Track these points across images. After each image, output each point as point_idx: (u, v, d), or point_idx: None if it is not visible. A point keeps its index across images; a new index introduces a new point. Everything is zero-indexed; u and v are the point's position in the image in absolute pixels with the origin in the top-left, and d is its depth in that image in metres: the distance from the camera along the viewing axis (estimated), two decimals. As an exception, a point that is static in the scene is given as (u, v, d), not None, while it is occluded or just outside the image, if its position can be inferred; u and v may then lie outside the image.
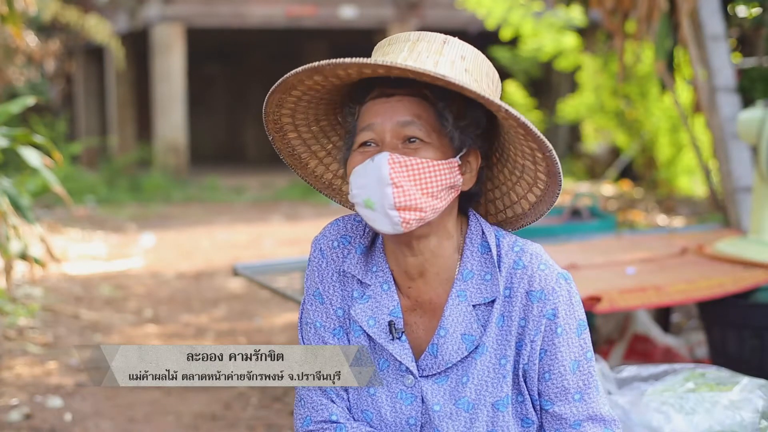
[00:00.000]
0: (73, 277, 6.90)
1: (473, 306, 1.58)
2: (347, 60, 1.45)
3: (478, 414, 1.57)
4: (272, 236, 9.22)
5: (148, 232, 9.63)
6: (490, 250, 1.59)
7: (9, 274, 4.32)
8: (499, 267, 1.58)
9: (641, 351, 3.93)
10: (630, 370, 2.45)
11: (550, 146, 1.49)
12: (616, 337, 4.02)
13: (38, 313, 5.53)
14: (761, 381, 2.32)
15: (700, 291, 3.15)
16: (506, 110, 1.45)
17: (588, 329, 1.62)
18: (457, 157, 1.54)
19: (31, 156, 4.40)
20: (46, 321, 5.41)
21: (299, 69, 1.49)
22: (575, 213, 4.66)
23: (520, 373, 1.58)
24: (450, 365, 1.58)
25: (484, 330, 1.57)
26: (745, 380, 2.31)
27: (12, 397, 3.96)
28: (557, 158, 1.51)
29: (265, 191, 13.78)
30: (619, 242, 4.11)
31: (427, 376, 1.59)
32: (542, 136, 1.48)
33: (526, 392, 1.58)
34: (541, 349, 1.57)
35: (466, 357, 1.58)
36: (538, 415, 1.60)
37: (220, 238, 9.25)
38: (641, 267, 3.47)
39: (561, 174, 1.53)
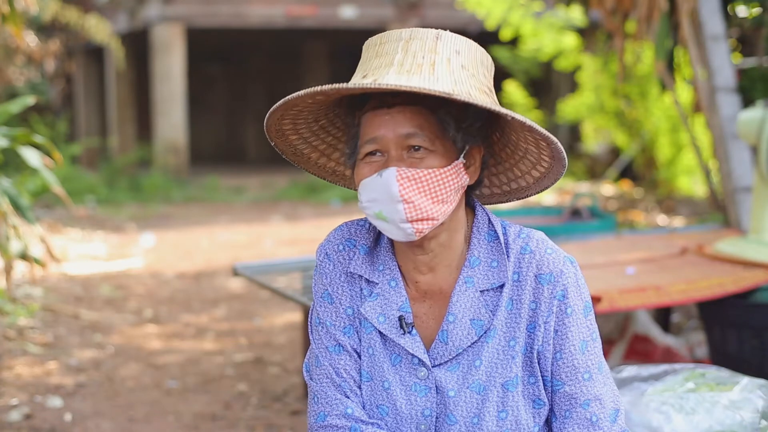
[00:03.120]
0: (73, 277, 6.90)
1: (481, 291, 1.61)
2: (351, 85, 1.48)
3: (489, 395, 1.60)
4: (272, 236, 9.21)
5: (148, 232, 9.62)
6: (498, 238, 1.63)
7: (9, 274, 4.31)
8: (507, 253, 1.62)
9: (641, 351, 3.93)
10: (630, 370, 2.45)
11: (555, 139, 1.54)
12: (616, 337, 4.01)
13: (38, 313, 5.53)
14: (761, 381, 2.32)
15: (700, 291, 3.15)
16: (512, 117, 1.50)
17: (593, 311, 1.66)
18: (461, 156, 1.57)
19: (31, 156, 4.40)
20: (46, 321, 5.41)
21: (302, 93, 1.52)
22: (575, 213, 4.65)
23: (534, 355, 1.61)
24: (461, 350, 1.61)
25: (493, 315, 1.61)
26: (745, 380, 2.31)
27: (12, 397, 3.95)
28: (562, 148, 1.56)
29: (265, 191, 13.78)
30: (619, 242, 4.11)
31: (440, 365, 1.62)
32: (547, 133, 1.52)
33: (539, 374, 1.61)
34: (553, 329, 1.61)
35: (476, 341, 1.61)
36: (549, 398, 1.63)
37: (220, 238, 9.24)
38: (641, 267, 3.47)
39: (566, 158, 1.58)
